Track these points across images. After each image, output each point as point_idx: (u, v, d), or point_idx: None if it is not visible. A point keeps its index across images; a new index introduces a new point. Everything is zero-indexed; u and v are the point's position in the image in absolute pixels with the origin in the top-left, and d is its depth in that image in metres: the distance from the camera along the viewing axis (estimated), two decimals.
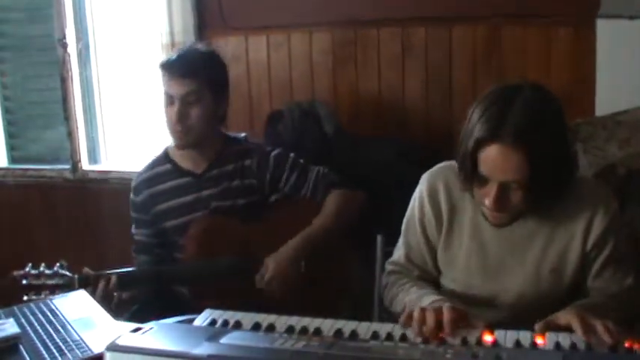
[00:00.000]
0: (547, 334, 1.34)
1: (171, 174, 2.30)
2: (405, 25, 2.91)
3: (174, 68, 2.16)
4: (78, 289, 2.01)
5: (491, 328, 1.36)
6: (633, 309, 1.68)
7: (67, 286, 2.04)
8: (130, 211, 2.39)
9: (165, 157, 2.33)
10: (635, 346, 1.26)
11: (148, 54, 3.26)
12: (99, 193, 3.56)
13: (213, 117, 2.23)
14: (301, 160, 2.31)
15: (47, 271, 2.05)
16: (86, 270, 2.10)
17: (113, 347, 1.30)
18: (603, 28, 2.56)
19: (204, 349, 1.27)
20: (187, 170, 2.28)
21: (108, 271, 2.10)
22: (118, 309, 2.03)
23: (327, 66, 3.04)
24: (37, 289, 2.02)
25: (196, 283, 2.22)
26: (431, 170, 1.82)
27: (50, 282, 2.05)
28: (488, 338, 1.33)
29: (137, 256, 2.36)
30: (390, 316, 1.80)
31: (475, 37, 2.82)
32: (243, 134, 2.39)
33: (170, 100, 2.18)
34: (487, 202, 1.56)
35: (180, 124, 2.17)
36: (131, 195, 2.36)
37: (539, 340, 1.31)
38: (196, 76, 2.16)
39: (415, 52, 2.91)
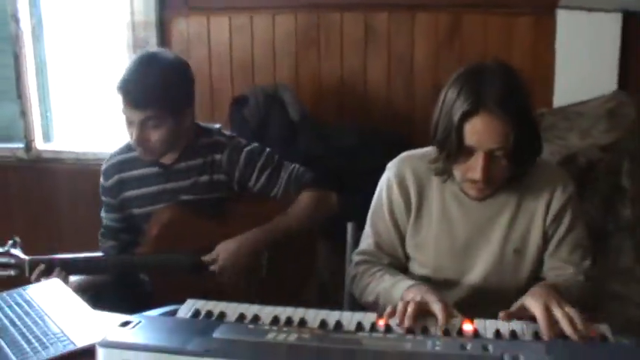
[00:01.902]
0: (525, 325, 1.41)
1: (140, 161, 2.22)
2: (368, 10, 2.93)
3: (129, 96, 2.05)
4: (28, 272, 2.03)
5: (470, 318, 1.43)
6: (592, 297, 1.76)
7: (17, 267, 2.04)
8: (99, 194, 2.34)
9: None
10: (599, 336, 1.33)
11: (106, 32, 3.19)
12: (53, 173, 3.49)
13: (177, 133, 2.14)
14: (276, 158, 2.22)
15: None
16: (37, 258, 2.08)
17: (106, 343, 1.30)
18: (563, 19, 2.63)
19: (198, 344, 1.28)
20: (156, 160, 2.22)
21: (60, 256, 2.09)
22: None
23: (289, 49, 3.04)
24: None
25: (151, 275, 2.22)
26: (396, 159, 1.86)
27: (1, 260, 2.04)
28: (468, 327, 1.39)
29: (104, 241, 2.33)
30: (360, 308, 1.82)
31: (437, 24, 2.86)
32: (217, 125, 2.30)
33: (129, 121, 2.09)
34: (474, 174, 1.61)
35: (141, 146, 2.11)
36: (101, 178, 2.30)
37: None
38: (154, 103, 2.04)
39: (378, 37, 2.94)
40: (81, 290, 2.10)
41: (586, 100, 2.46)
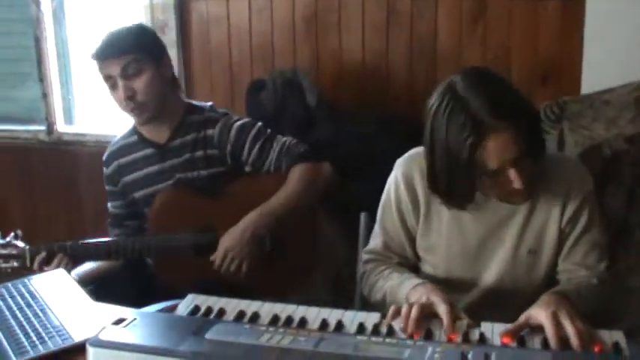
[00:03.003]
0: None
1: (137, 145, 2.28)
2: None
3: (105, 51, 2.11)
4: (29, 261, 2.05)
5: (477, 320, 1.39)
6: (606, 300, 1.69)
7: (19, 257, 2.05)
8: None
9: (133, 128, 2.32)
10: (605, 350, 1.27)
11: (126, 14, 3.17)
12: (75, 155, 3.49)
13: (160, 84, 2.17)
14: (268, 131, 2.23)
15: (1, 241, 2.07)
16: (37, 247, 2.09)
17: (96, 342, 1.28)
18: (593, 3, 2.51)
19: (189, 345, 1.25)
20: (151, 141, 2.26)
21: (61, 243, 2.10)
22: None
23: (310, 32, 2.97)
24: None
25: (153, 257, 2.22)
26: (404, 156, 1.79)
27: (4, 252, 2.06)
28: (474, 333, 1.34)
29: (111, 230, 2.37)
30: (371, 304, 1.79)
31: (461, 7, 2.76)
32: (209, 103, 2.31)
33: (112, 82, 2.13)
34: (515, 185, 1.52)
35: (131, 101, 2.13)
36: (103, 168, 2.35)
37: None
38: (128, 49, 2.11)
39: (400, 20, 2.85)
40: (86, 281, 2.10)
41: (613, 87, 2.35)
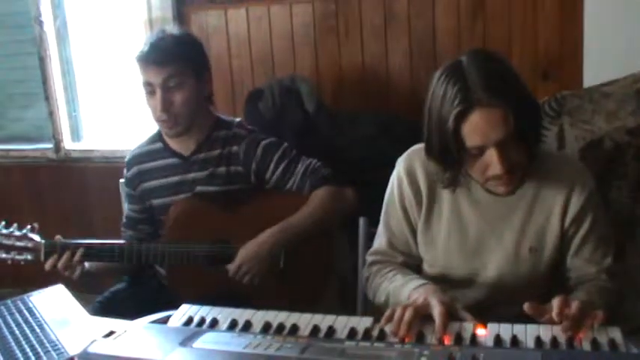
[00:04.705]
0: (528, 329, 1.33)
1: (160, 153, 2.28)
2: None
3: (150, 57, 2.10)
4: (44, 254, 2.04)
5: (483, 322, 1.36)
6: (618, 294, 1.66)
7: (34, 251, 2.05)
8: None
9: (158, 135, 2.31)
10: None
11: (126, 30, 3.19)
12: (82, 172, 3.53)
13: (198, 99, 2.17)
14: (293, 152, 2.23)
15: (17, 233, 2.06)
16: (58, 237, 2.09)
17: (85, 356, 1.29)
18: None
19: (176, 355, 1.25)
20: (176, 151, 2.25)
21: (77, 241, 2.09)
22: (79, 282, 2.02)
23: (308, 39, 2.97)
24: (7, 249, 2.05)
25: (166, 265, 2.20)
26: (406, 153, 1.80)
27: (19, 244, 2.05)
28: (481, 332, 1.33)
29: (124, 230, 2.37)
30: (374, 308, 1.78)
31: (459, 3, 2.74)
32: (238, 119, 2.31)
33: (150, 89, 2.12)
34: (494, 170, 1.52)
35: (166, 113, 2.12)
36: (124, 170, 2.35)
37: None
38: (174, 60, 2.10)
39: (398, 21, 2.84)
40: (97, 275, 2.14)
41: (613, 80, 2.31)
